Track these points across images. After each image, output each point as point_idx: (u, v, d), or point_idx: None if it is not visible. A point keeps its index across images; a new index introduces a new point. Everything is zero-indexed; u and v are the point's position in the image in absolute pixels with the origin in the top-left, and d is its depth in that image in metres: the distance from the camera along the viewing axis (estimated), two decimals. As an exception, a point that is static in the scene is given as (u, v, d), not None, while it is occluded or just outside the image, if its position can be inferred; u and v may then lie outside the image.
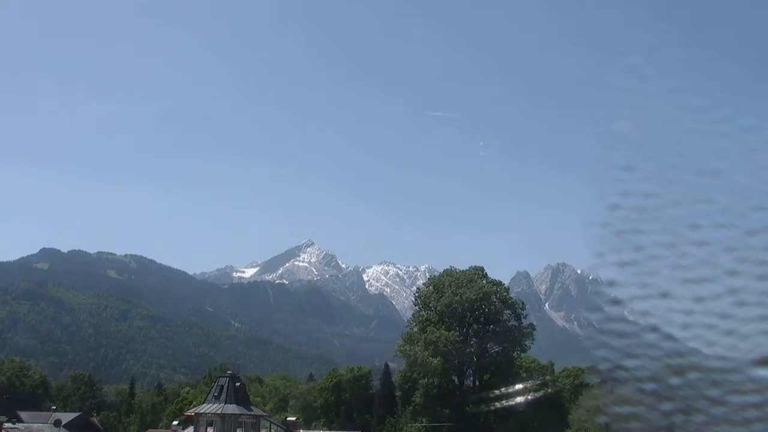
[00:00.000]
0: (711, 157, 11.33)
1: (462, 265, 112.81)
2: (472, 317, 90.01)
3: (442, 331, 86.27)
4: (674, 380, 11.43)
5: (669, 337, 11.50)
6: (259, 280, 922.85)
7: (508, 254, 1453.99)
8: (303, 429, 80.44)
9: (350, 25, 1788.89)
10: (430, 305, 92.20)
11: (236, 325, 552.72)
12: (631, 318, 12.09)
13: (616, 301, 11.98)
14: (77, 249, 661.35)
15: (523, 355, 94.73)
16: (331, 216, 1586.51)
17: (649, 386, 11.72)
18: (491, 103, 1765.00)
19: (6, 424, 69.66)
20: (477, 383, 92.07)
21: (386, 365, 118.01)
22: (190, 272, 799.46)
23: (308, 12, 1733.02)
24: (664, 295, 11.35)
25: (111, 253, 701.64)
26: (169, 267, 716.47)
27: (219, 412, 57.73)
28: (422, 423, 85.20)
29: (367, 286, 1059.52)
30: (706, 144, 11.60)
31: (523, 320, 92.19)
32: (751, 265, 10.58)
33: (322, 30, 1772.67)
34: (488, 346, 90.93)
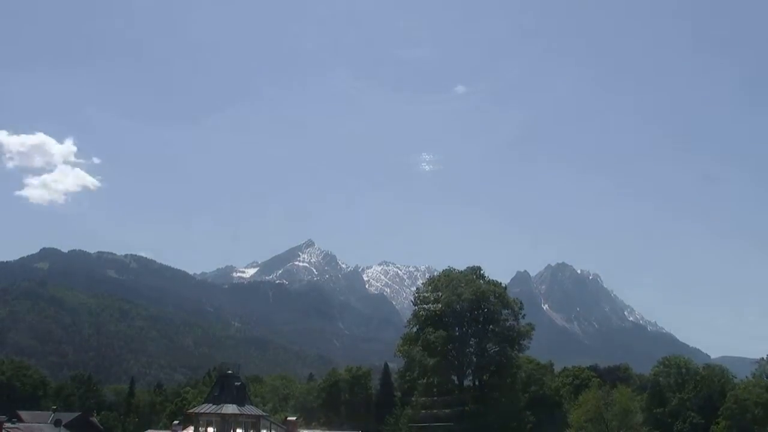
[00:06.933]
0: None
1: (462, 265, 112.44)
2: (470, 317, 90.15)
3: (441, 331, 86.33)
4: None
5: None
6: (259, 280, 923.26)
7: (508, 254, 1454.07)
8: (302, 429, 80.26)
9: (349, 25, 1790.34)
10: (429, 305, 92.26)
11: (236, 325, 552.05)
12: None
13: None
14: (77, 249, 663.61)
15: (522, 354, 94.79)
16: (331, 216, 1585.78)
17: None
18: (492, 102, 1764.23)
19: (6, 424, 69.48)
20: (476, 383, 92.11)
21: (386, 365, 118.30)
22: (190, 272, 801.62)
23: (307, 12, 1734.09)
24: None
25: (111, 253, 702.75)
26: (169, 267, 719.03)
27: (219, 411, 57.64)
28: (421, 423, 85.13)
29: (367, 286, 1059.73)
30: None
31: (521, 320, 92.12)
32: None
33: (324, 29, 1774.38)
34: (487, 345, 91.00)
